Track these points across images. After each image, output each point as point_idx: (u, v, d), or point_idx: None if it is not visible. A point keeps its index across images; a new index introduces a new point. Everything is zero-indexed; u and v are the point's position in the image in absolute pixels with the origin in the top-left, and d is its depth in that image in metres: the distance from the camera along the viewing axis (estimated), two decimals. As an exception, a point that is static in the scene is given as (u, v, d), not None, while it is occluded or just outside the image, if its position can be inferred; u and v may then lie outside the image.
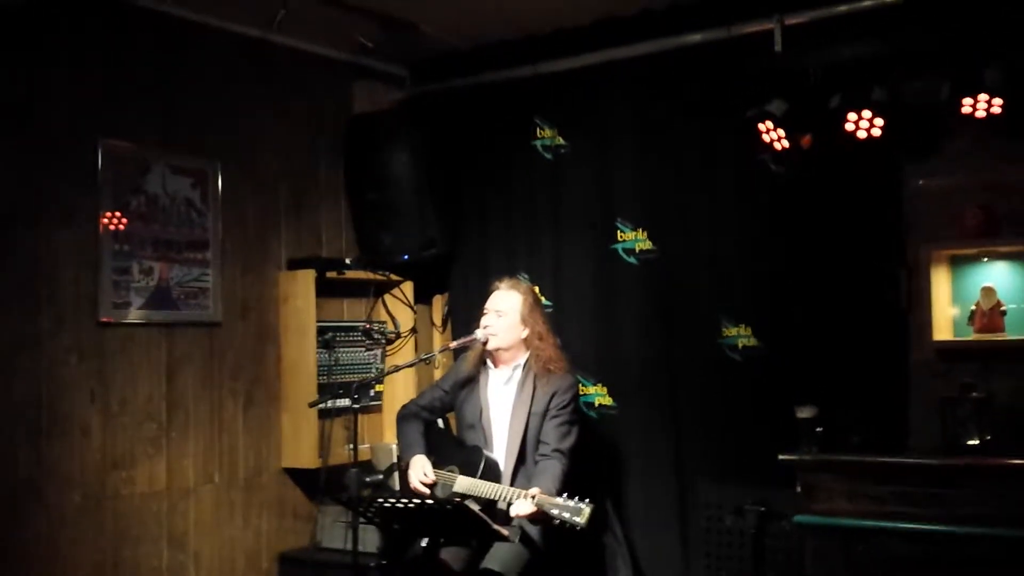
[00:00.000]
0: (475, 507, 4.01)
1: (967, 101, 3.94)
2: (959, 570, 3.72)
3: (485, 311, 4.49)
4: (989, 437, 3.90)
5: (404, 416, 4.62)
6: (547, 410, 4.35)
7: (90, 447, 4.33)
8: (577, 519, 3.84)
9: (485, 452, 4.34)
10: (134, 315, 4.50)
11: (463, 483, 4.27)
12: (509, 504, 4.08)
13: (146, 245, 4.56)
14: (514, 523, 4.17)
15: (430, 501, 3.81)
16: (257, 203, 5.06)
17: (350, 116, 5.48)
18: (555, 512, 3.89)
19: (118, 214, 4.45)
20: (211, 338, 4.81)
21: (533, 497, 3.97)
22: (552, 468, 4.23)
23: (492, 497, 4.17)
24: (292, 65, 5.23)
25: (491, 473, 4.28)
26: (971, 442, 3.92)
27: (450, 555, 4.18)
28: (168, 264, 4.63)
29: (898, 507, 3.88)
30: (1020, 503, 3.65)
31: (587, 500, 3.86)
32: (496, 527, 3.88)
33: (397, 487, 4.56)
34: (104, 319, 4.38)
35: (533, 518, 4.03)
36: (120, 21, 4.50)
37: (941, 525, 3.76)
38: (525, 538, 4.20)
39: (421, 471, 4.36)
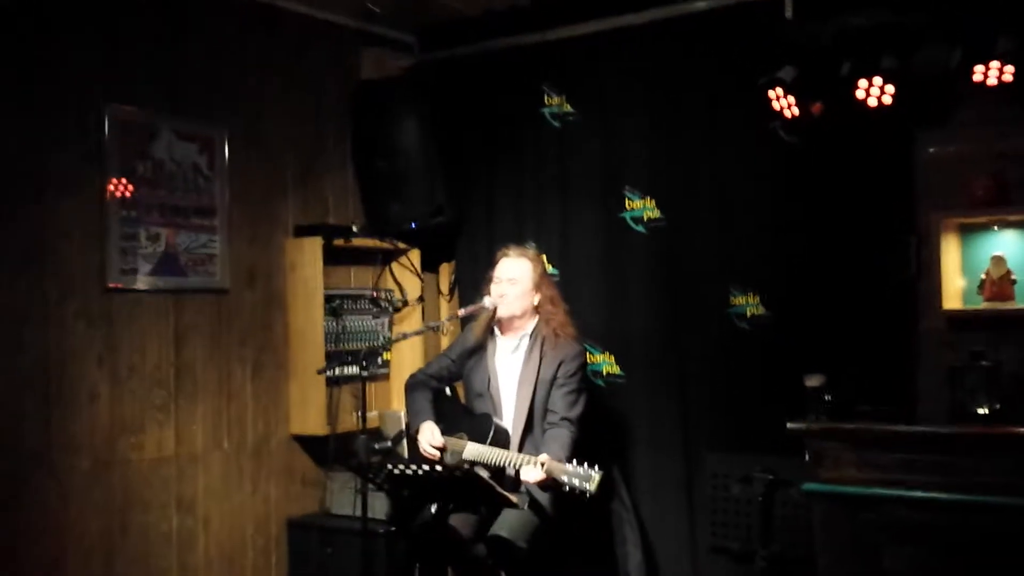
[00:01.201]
0: (484, 474, 4.02)
1: (979, 68, 3.91)
2: (967, 538, 3.72)
3: (496, 280, 4.47)
4: (998, 406, 3.89)
5: (412, 385, 4.63)
6: (555, 378, 4.35)
7: (99, 413, 4.34)
8: (587, 486, 3.85)
9: (495, 419, 4.35)
10: (141, 282, 4.49)
11: (472, 450, 4.27)
12: (518, 470, 4.09)
13: (153, 211, 4.54)
14: (522, 490, 4.18)
15: (439, 468, 3.82)
16: (264, 170, 5.04)
17: (357, 83, 5.45)
18: (565, 479, 3.90)
19: (124, 180, 4.44)
20: (219, 305, 4.81)
21: (542, 464, 3.98)
22: (561, 436, 4.24)
23: (501, 464, 4.17)
24: (299, 31, 5.20)
25: (500, 440, 4.28)
26: (980, 411, 3.91)
27: (459, 521, 4.19)
28: (175, 230, 4.63)
29: (906, 475, 3.87)
30: (1028, 472, 3.65)
31: (596, 467, 3.87)
32: (505, 494, 3.90)
33: (406, 454, 4.57)
34: (112, 285, 4.38)
35: (542, 485, 4.04)
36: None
37: (949, 493, 3.76)
38: (535, 505, 4.22)
39: (430, 435, 4.37)
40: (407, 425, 4.67)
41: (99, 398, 4.34)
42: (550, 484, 4.00)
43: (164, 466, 4.58)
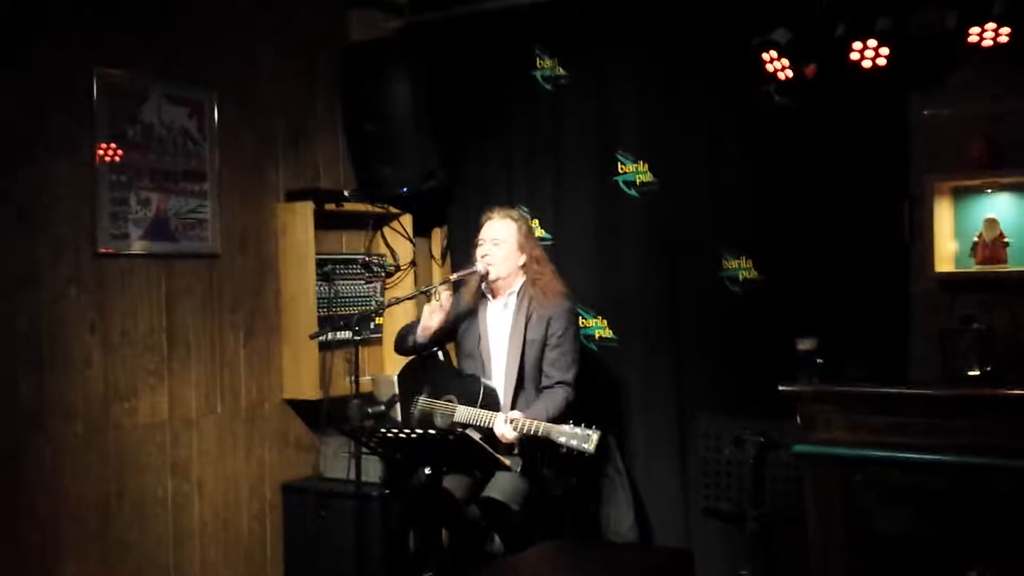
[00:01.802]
0: (476, 435, 4.04)
1: (974, 30, 3.89)
2: (958, 500, 3.74)
3: (480, 241, 4.49)
4: (989, 368, 3.92)
5: (404, 331, 4.65)
6: (545, 337, 4.36)
7: (92, 378, 4.33)
8: (585, 446, 3.87)
9: (483, 380, 4.36)
10: (133, 246, 4.47)
11: (462, 413, 4.29)
12: (489, 423, 4.16)
13: (143, 175, 4.51)
14: (515, 452, 4.21)
15: (432, 431, 3.83)
16: (254, 133, 5.00)
17: (347, 45, 5.40)
18: (563, 440, 3.92)
19: (114, 145, 4.40)
20: (210, 270, 4.79)
21: (512, 421, 3.99)
22: (554, 397, 4.26)
23: (486, 424, 4.20)
24: (290, -7, 5.15)
25: (490, 401, 4.31)
26: (971, 373, 3.93)
27: (452, 483, 4.22)
28: (165, 195, 4.59)
29: (897, 437, 3.89)
30: (1019, 434, 3.66)
31: (594, 427, 3.89)
32: (498, 456, 3.92)
33: (399, 417, 4.58)
34: (103, 250, 4.35)
35: (511, 443, 4.08)
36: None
37: (940, 455, 3.78)
38: (527, 467, 4.24)
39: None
40: (406, 334, 4.67)
41: (92, 363, 4.33)
42: (520, 442, 4.02)
43: (158, 431, 4.58)
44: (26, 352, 4.12)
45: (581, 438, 3.89)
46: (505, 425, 4.08)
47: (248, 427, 4.95)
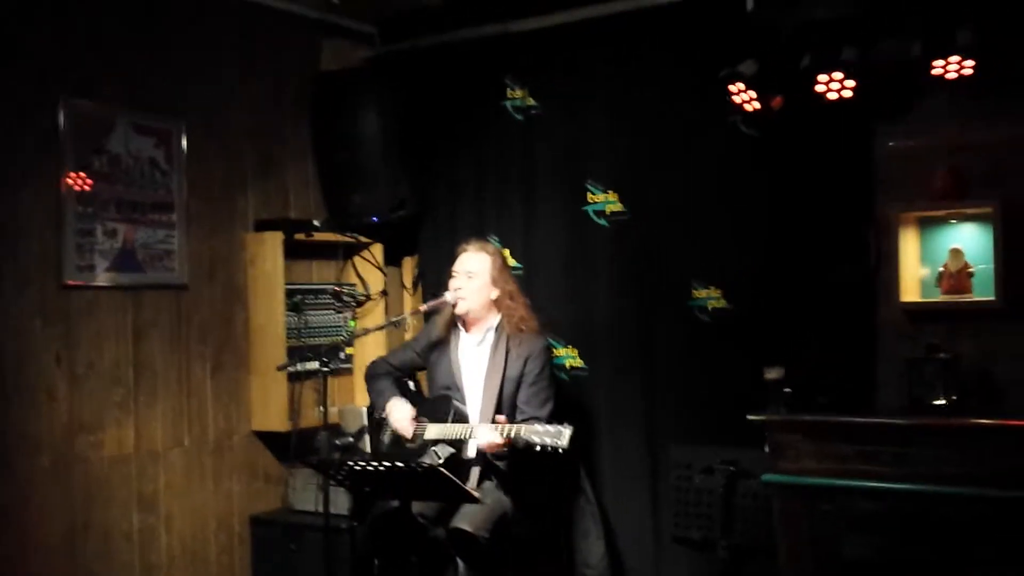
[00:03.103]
0: (448, 451, 4.10)
1: (938, 62, 3.93)
2: (924, 529, 3.76)
3: (454, 273, 4.48)
4: (955, 397, 3.94)
5: (375, 374, 4.63)
6: (522, 375, 4.36)
7: (57, 410, 4.29)
8: (559, 441, 3.88)
9: (454, 402, 4.36)
10: (99, 278, 4.44)
11: (433, 430, 4.30)
12: (472, 437, 4.16)
13: (110, 206, 4.48)
14: (484, 486, 4.20)
15: (400, 464, 3.81)
16: (223, 163, 4.99)
17: (317, 74, 5.40)
18: (536, 439, 3.93)
19: (81, 175, 4.37)
20: (178, 301, 4.76)
21: (497, 426, 4.03)
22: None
23: (464, 436, 4.21)
24: (259, 22, 5.14)
25: (459, 419, 4.32)
26: (937, 402, 3.96)
27: (422, 505, 4.20)
28: (133, 226, 4.57)
29: (864, 466, 3.91)
30: (984, 462, 3.68)
31: (565, 423, 3.90)
32: (467, 489, 3.90)
33: (368, 449, 4.56)
34: (68, 282, 4.32)
35: (500, 448, 4.07)
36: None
37: (906, 484, 3.80)
38: (504, 484, 4.23)
39: (400, 410, 4.40)
40: (370, 412, 4.66)
41: (57, 396, 4.29)
42: (506, 448, 4.04)
43: (124, 464, 4.53)
44: (-10, 384, 4.08)
45: (554, 435, 3.91)
46: (492, 432, 4.06)
47: (216, 459, 4.91)
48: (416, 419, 4.41)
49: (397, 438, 4.44)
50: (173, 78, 4.76)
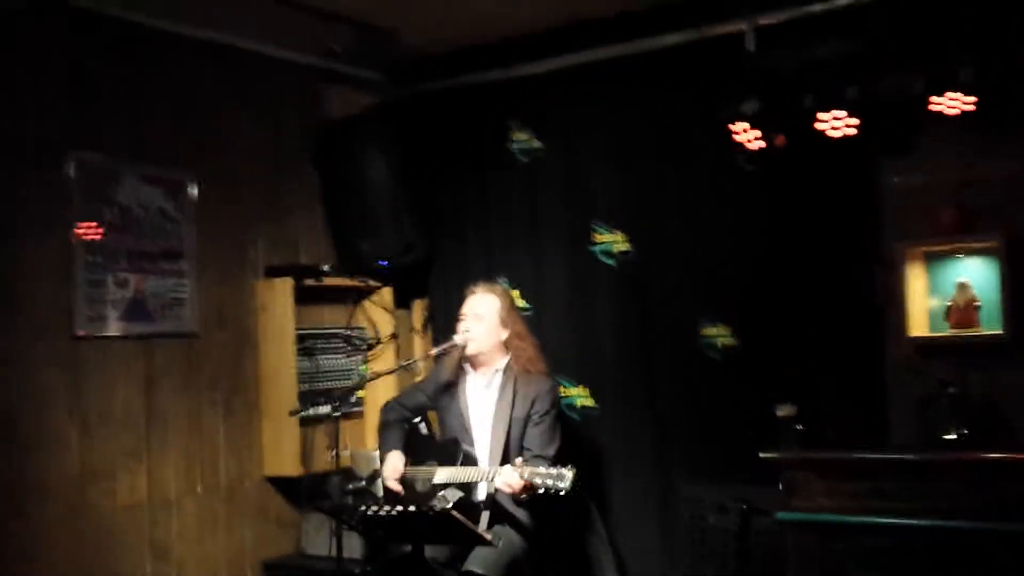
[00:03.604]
0: (457, 495, 4.09)
1: (940, 99, 3.96)
2: (938, 564, 3.73)
3: (463, 316, 4.50)
4: (966, 431, 3.93)
5: (387, 421, 4.63)
6: (528, 415, 4.36)
7: (69, 459, 4.31)
8: (561, 484, 3.87)
9: (463, 445, 4.36)
10: (110, 328, 4.47)
11: (443, 474, 4.29)
12: (493, 480, 4.11)
13: (120, 257, 4.53)
14: (495, 529, 4.19)
15: (412, 509, 3.81)
16: (232, 211, 5.03)
17: (325, 121, 5.45)
18: (538, 481, 3.92)
19: (91, 226, 4.42)
20: (189, 349, 4.79)
21: (517, 467, 4.00)
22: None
23: (475, 479, 4.20)
24: (265, 72, 5.20)
25: (468, 462, 4.31)
26: (948, 437, 3.94)
27: (434, 549, 4.19)
28: (143, 276, 4.61)
29: (877, 502, 3.90)
30: (997, 497, 3.67)
31: (569, 465, 3.89)
32: (479, 533, 3.90)
33: (380, 493, 4.56)
34: (80, 333, 4.35)
35: (522, 490, 4.04)
36: (88, 31, 4.47)
37: (920, 519, 3.78)
38: (513, 523, 4.21)
39: (391, 467, 4.41)
40: (380, 459, 4.66)
41: (69, 445, 4.31)
42: (528, 488, 4.00)
43: (137, 512, 4.54)
44: (2, 433, 4.09)
45: (556, 477, 3.90)
46: (512, 474, 4.05)
47: (228, 505, 4.91)
48: (427, 463, 4.41)
49: (408, 482, 4.44)
50: (181, 129, 4.82)
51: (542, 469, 3.96)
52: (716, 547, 4.50)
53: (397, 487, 4.37)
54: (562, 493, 3.89)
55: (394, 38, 5.14)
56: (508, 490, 4.11)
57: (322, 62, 5.42)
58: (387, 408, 4.70)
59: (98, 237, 4.44)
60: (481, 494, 4.30)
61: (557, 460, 4.30)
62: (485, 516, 4.29)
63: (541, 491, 3.94)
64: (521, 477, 4.00)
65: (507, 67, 5.19)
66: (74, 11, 4.40)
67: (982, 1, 3.99)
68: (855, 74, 4.13)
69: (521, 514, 4.27)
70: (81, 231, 4.39)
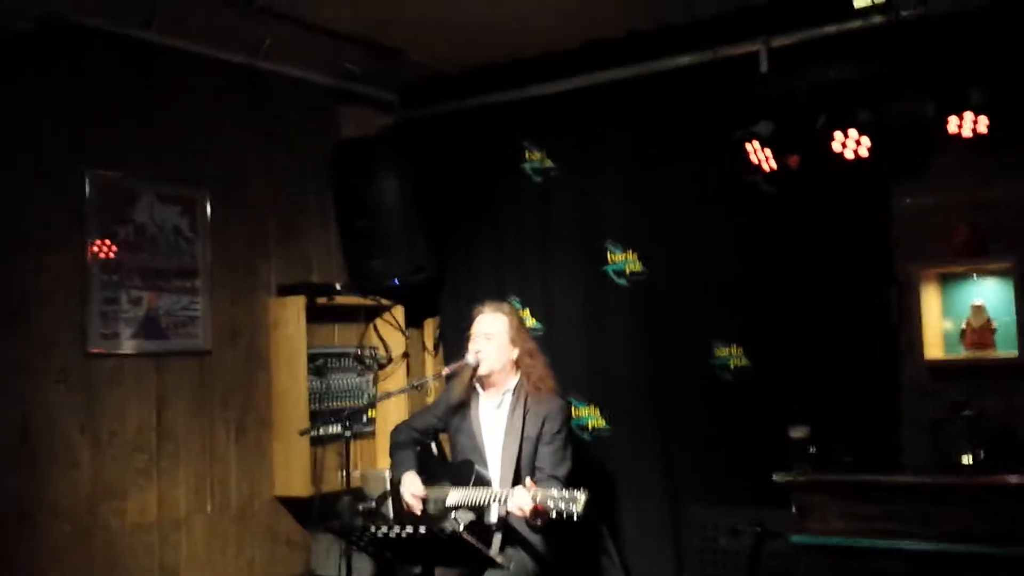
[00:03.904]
0: (469, 516, 4.04)
1: (953, 120, 3.95)
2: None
3: (473, 336, 4.48)
4: (982, 454, 3.90)
5: (398, 442, 4.61)
6: (539, 435, 4.34)
7: (80, 478, 4.31)
8: (573, 508, 3.83)
9: (476, 467, 4.34)
10: (123, 345, 4.48)
11: (456, 495, 4.27)
12: (505, 502, 4.08)
13: (134, 275, 4.54)
14: (507, 551, 4.16)
15: (423, 530, 3.79)
16: (246, 230, 5.05)
17: (338, 141, 5.48)
18: (550, 504, 3.89)
19: (106, 243, 4.44)
20: (201, 367, 4.79)
21: (529, 488, 3.96)
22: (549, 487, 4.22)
23: (486, 502, 4.18)
24: (279, 92, 5.23)
25: (481, 483, 4.29)
26: (963, 460, 3.91)
27: (444, 572, 4.16)
28: (157, 293, 4.62)
29: (891, 525, 3.87)
30: (1013, 521, 3.64)
31: (582, 488, 3.86)
32: (490, 555, 3.87)
33: (390, 514, 4.54)
34: (93, 350, 4.36)
35: (533, 517, 4.01)
36: (107, 50, 4.51)
37: (934, 543, 3.75)
38: (527, 547, 4.19)
39: (412, 485, 4.36)
40: (391, 481, 4.65)
41: (80, 463, 4.31)
42: (541, 512, 3.98)
43: (147, 531, 4.53)
44: (14, 450, 4.10)
45: (568, 500, 3.86)
46: (525, 496, 4.02)
47: (238, 525, 4.90)
48: (439, 484, 4.39)
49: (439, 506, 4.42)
50: (196, 148, 4.84)
51: (555, 492, 3.93)
52: (728, 570, 4.46)
53: (419, 506, 4.34)
54: (575, 517, 3.86)
55: (407, 59, 5.15)
56: (520, 513, 4.08)
57: (336, 83, 5.45)
58: (397, 431, 4.68)
59: (112, 255, 4.46)
60: (493, 516, 4.28)
61: (569, 481, 4.29)
62: (497, 538, 4.26)
63: (553, 515, 3.91)
64: (533, 500, 3.97)
65: (520, 87, 5.20)
66: (91, 31, 4.44)
67: (994, 23, 3.99)
68: (868, 95, 4.13)
69: (534, 538, 4.24)
70: (96, 248, 4.40)
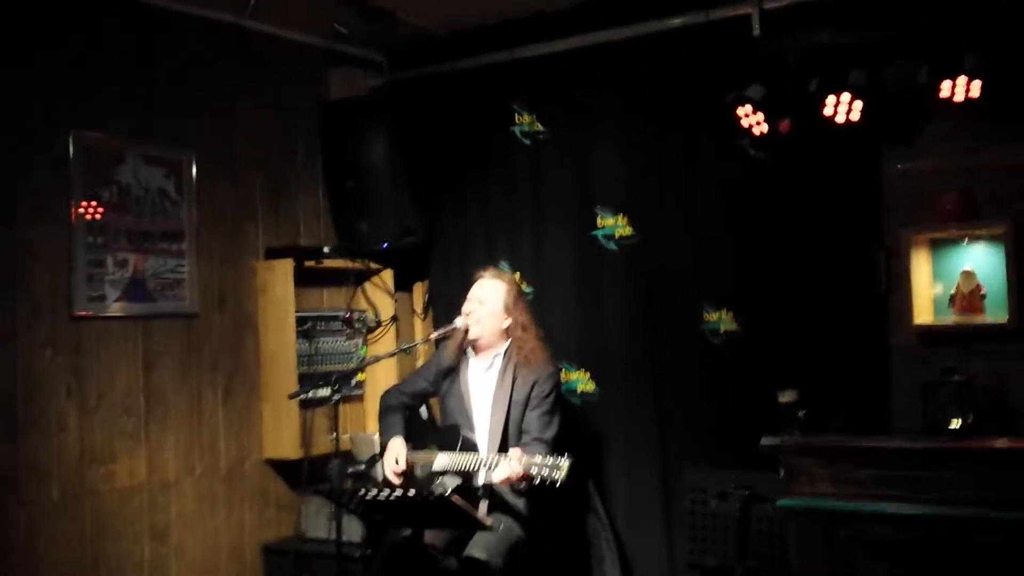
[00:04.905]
0: (456, 481, 4.07)
1: (946, 84, 3.93)
2: (941, 553, 3.72)
3: (468, 299, 4.48)
4: (970, 420, 3.91)
5: (388, 406, 4.62)
6: (528, 399, 4.34)
7: (68, 442, 4.29)
8: (556, 474, 3.86)
9: (463, 431, 4.34)
10: (110, 308, 4.45)
11: (442, 460, 4.28)
12: (492, 469, 4.09)
13: (120, 237, 4.50)
14: (495, 514, 4.17)
15: (412, 493, 3.80)
16: (233, 192, 5.00)
17: (326, 103, 5.43)
18: (534, 471, 3.91)
19: (91, 206, 4.39)
20: (188, 330, 4.77)
21: (517, 459, 3.98)
22: (531, 452, 4.23)
23: (473, 467, 4.19)
24: (267, 52, 5.17)
25: (468, 448, 4.30)
26: (952, 425, 3.92)
27: (432, 534, 4.18)
28: (143, 256, 4.58)
29: (880, 490, 3.88)
30: (1001, 485, 3.65)
31: (566, 455, 3.88)
32: (479, 517, 3.89)
33: (379, 477, 4.54)
34: (79, 313, 4.33)
35: (521, 480, 4.02)
36: (92, 10, 4.44)
37: (923, 508, 3.77)
38: (512, 513, 4.20)
39: (393, 459, 4.38)
40: (380, 445, 4.65)
41: (68, 427, 4.29)
42: (527, 479, 3.98)
43: (136, 494, 4.52)
44: (1, 414, 4.08)
45: (552, 467, 3.89)
46: (509, 465, 4.02)
47: (228, 488, 4.90)
48: (427, 448, 4.40)
49: (407, 466, 4.43)
50: (182, 109, 4.78)
51: (538, 459, 3.94)
52: (717, 534, 4.49)
53: (398, 481, 4.35)
54: (558, 484, 3.87)
55: (397, 19, 5.09)
56: (505, 482, 4.09)
57: (325, 43, 5.39)
58: (387, 395, 4.69)
59: (98, 217, 4.41)
60: (480, 480, 4.29)
61: (556, 445, 4.29)
62: (484, 505, 4.27)
63: (537, 481, 3.93)
64: (518, 466, 3.98)
65: (510, 49, 5.15)
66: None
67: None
68: (861, 59, 4.10)
69: (519, 502, 4.25)
70: (81, 210, 4.36)
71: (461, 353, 4.54)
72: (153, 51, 4.67)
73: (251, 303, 5.05)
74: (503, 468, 4.04)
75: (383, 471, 4.43)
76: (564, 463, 3.87)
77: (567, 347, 5.01)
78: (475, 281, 4.53)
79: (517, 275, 5.17)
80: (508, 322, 4.44)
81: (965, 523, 3.68)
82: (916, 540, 3.78)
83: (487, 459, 4.17)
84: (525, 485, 4.09)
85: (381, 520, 4.10)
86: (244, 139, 5.06)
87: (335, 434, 4.22)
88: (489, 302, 4.43)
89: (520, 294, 4.61)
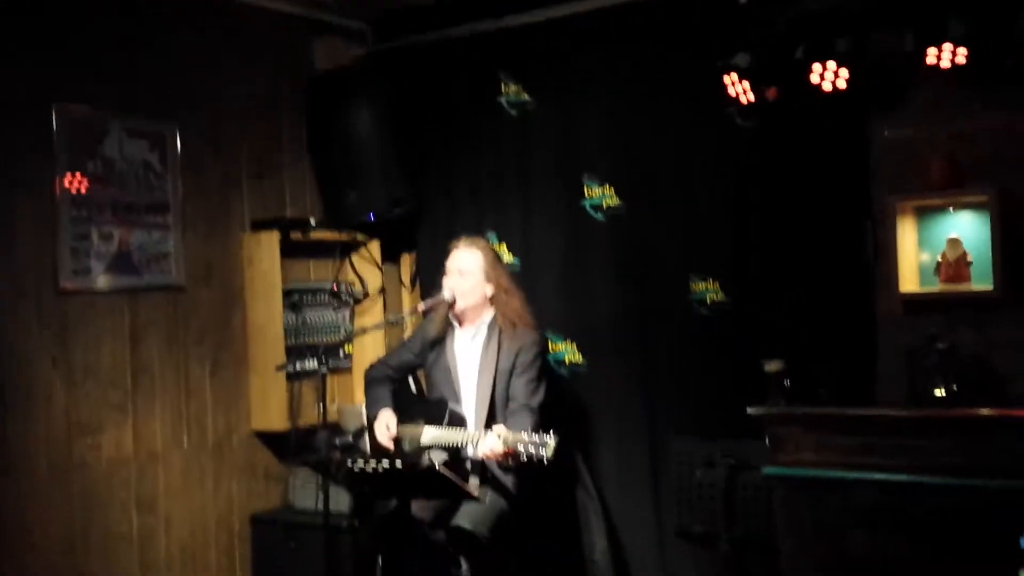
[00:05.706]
0: (443, 456, 4.08)
1: (932, 51, 3.91)
2: (927, 520, 3.74)
3: (448, 272, 4.47)
4: (955, 388, 3.93)
5: (373, 379, 4.62)
6: (513, 367, 4.35)
7: (55, 415, 4.29)
8: (543, 452, 3.87)
9: (450, 405, 4.35)
10: (95, 281, 4.43)
11: (429, 434, 4.29)
12: (477, 445, 4.10)
13: (105, 210, 4.48)
14: (482, 487, 4.19)
15: (399, 464, 3.80)
16: (218, 164, 4.98)
17: (311, 73, 5.39)
18: (520, 448, 3.92)
19: (76, 179, 4.37)
20: (175, 303, 4.76)
21: (499, 436, 3.98)
22: (521, 420, 4.24)
23: (459, 443, 4.20)
24: (251, 23, 5.12)
25: (455, 422, 4.30)
26: (937, 393, 3.94)
27: (419, 506, 4.19)
28: (128, 229, 4.56)
29: (865, 458, 3.89)
30: (985, 453, 3.66)
31: (551, 432, 3.89)
32: (466, 488, 3.90)
33: (367, 448, 4.56)
34: (65, 286, 4.32)
35: (505, 456, 4.03)
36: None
37: (907, 475, 3.78)
38: (500, 488, 4.22)
39: (384, 426, 4.37)
40: (368, 418, 4.66)
41: (54, 400, 4.29)
42: (511, 455, 4.00)
43: (123, 466, 4.53)
44: (-13, 388, 4.08)
45: (539, 444, 3.89)
46: (495, 440, 4.04)
47: (215, 460, 4.91)
48: (414, 422, 4.41)
49: (397, 441, 4.43)
50: (166, 81, 4.75)
51: (525, 436, 3.94)
52: (704, 502, 4.51)
53: (390, 446, 4.36)
54: (544, 461, 3.88)
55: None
56: (491, 457, 4.10)
57: (309, 12, 5.34)
58: (372, 369, 4.69)
59: (83, 190, 4.39)
60: (467, 453, 4.30)
61: (542, 411, 4.30)
62: (474, 480, 4.28)
63: (524, 458, 3.93)
64: (504, 444, 3.99)
65: (497, 18, 5.11)
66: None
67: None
68: (847, 27, 4.08)
69: (506, 477, 4.27)
70: (66, 183, 4.33)
71: (447, 324, 4.54)
72: (136, 22, 4.63)
73: (237, 276, 5.04)
74: (486, 443, 4.05)
75: (371, 441, 4.43)
76: (551, 441, 3.88)
77: (555, 317, 5.01)
78: (450, 251, 4.51)
79: (504, 246, 5.16)
80: (491, 289, 4.44)
81: (950, 491, 3.69)
82: (901, 507, 3.79)
83: (473, 435, 4.17)
84: (512, 462, 4.09)
85: (368, 491, 4.12)
86: (229, 111, 5.02)
87: (322, 406, 4.23)
88: (470, 272, 4.43)
89: (497, 258, 4.60)
